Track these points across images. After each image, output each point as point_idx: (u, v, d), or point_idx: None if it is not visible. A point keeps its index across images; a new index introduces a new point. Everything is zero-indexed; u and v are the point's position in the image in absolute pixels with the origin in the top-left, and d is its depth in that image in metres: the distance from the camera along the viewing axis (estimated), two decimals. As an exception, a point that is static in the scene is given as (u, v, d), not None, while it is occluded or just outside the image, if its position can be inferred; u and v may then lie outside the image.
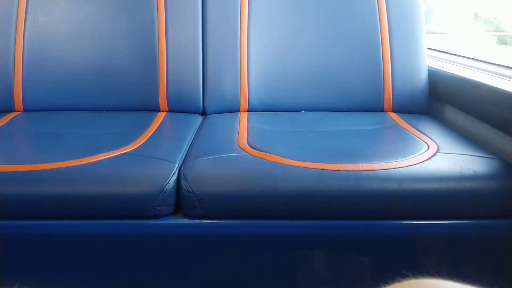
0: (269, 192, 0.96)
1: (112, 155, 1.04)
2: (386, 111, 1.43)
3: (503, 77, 1.21)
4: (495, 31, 2.18)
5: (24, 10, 1.46)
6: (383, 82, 1.43)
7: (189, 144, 1.16)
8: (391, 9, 1.45)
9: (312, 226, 0.98)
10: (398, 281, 0.37)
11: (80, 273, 1.01)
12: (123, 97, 1.45)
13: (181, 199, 0.98)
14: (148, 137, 1.17)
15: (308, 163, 0.99)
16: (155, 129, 1.25)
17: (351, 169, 0.97)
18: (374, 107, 1.43)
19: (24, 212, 0.97)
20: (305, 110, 1.44)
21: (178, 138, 1.21)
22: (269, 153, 1.04)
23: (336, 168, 0.97)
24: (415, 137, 1.16)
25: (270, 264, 1.01)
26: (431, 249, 0.99)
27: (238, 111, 1.45)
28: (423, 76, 1.44)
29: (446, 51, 1.66)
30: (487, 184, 0.96)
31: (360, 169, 0.97)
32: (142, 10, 1.47)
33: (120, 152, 1.05)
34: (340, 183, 0.96)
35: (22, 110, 1.45)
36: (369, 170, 0.97)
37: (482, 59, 1.41)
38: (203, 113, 1.48)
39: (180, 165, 1.02)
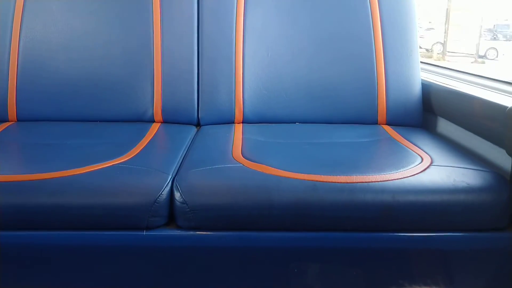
0: (263, 203, 0.96)
1: (105, 166, 1.03)
2: (380, 124, 1.44)
3: None
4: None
5: (19, 20, 1.46)
6: (377, 95, 1.44)
7: (183, 155, 1.16)
8: (385, 23, 1.46)
9: (306, 238, 0.98)
10: None
11: (72, 284, 1.00)
12: (117, 107, 1.44)
13: (174, 210, 0.98)
14: (142, 147, 1.17)
15: (302, 174, 0.99)
16: (149, 139, 1.25)
17: (345, 181, 0.97)
18: (368, 119, 1.44)
19: (15, 222, 0.96)
20: (299, 122, 1.45)
21: (172, 149, 1.20)
22: (263, 164, 1.04)
23: (330, 180, 0.97)
24: (409, 149, 1.16)
25: (264, 276, 1.00)
26: (425, 261, 0.99)
27: (233, 122, 1.45)
28: (417, 89, 1.45)
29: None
30: (481, 197, 0.96)
31: (354, 181, 0.97)
32: (137, 21, 1.47)
33: (114, 163, 1.05)
34: (334, 195, 0.96)
35: (16, 120, 1.45)
36: (363, 182, 0.97)
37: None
38: (198, 124, 1.47)
39: (173, 176, 1.02)
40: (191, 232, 0.98)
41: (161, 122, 1.45)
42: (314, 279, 1.00)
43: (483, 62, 9.98)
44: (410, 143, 1.22)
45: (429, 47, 10.67)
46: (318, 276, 1.00)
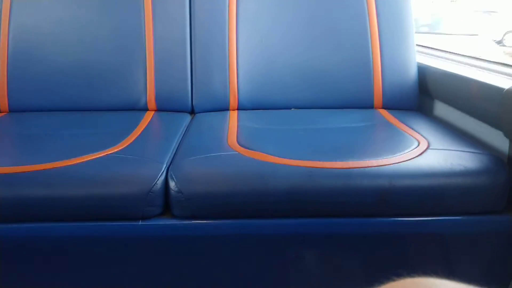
0: (259, 190, 0.95)
1: (99, 156, 1.02)
2: (376, 108, 1.43)
3: None
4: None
5: (8, 10, 1.43)
6: (372, 79, 1.42)
7: (178, 143, 1.15)
8: (380, 6, 1.44)
9: (303, 225, 0.97)
10: (390, 278, 0.36)
11: (67, 275, 0.99)
12: (110, 96, 1.43)
13: (170, 200, 0.97)
14: (135, 136, 1.16)
15: (298, 161, 0.98)
16: (143, 128, 1.24)
17: (341, 167, 0.96)
18: (364, 104, 1.43)
19: (9, 215, 0.95)
20: (295, 108, 1.43)
21: (166, 137, 1.19)
22: (259, 151, 1.03)
23: (326, 166, 0.96)
24: (405, 133, 1.16)
25: (261, 263, 1.00)
26: (423, 246, 0.99)
27: (228, 109, 1.44)
28: (413, 72, 1.43)
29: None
30: (478, 180, 0.96)
31: (350, 166, 0.96)
32: (128, 9, 1.45)
33: (107, 153, 1.04)
34: (330, 181, 0.95)
35: (7, 111, 1.43)
36: (359, 167, 0.96)
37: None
38: (192, 112, 1.46)
39: (168, 165, 1.01)
40: (187, 221, 0.97)
41: (155, 110, 1.44)
42: (311, 265, 1.00)
43: None
44: (406, 126, 1.21)
45: (498, 38, 7.20)
46: (315, 263, 1.00)
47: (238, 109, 1.44)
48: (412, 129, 1.18)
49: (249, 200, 0.95)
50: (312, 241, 0.99)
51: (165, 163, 1.01)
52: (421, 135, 1.13)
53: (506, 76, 1.16)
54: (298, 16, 1.45)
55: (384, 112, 1.37)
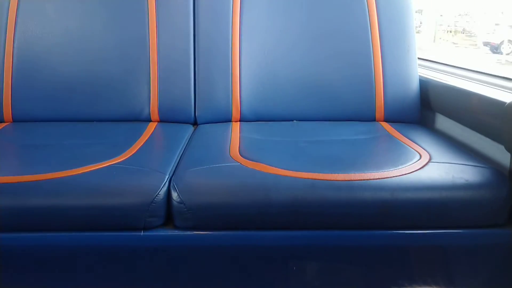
0: (261, 202, 0.95)
1: (101, 166, 1.02)
2: (377, 121, 1.43)
3: None
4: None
5: (14, 20, 1.45)
6: (374, 92, 1.43)
7: (180, 154, 1.15)
8: (382, 19, 1.45)
9: (304, 237, 0.97)
10: None
11: (68, 285, 0.99)
12: (113, 107, 1.43)
13: (172, 210, 0.97)
14: (138, 147, 1.16)
15: (300, 172, 0.98)
16: (145, 139, 1.24)
17: (343, 179, 0.96)
18: (366, 116, 1.43)
19: (11, 224, 0.95)
20: (297, 120, 1.44)
21: (169, 148, 1.20)
22: (261, 163, 1.03)
23: (328, 178, 0.97)
24: (407, 146, 1.16)
25: (263, 275, 1.00)
26: (424, 259, 0.99)
27: (230, 120, 1.44)
28: (415, 85, 1.44)
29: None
30: (479, 193, 0.96)
31: (352, 179, 0.96)
32: (133, 20, 1.46)
33: (110, 163, 1.04)
34: (332, 193, 0.95)
35: (11, 120, 1.44)
36: (361, 180, 0.96)
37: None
38: (195, 123, 1.47)
39: (170, 175, 1.01)
40: (189, 232, 0.97)
41: (158, 121, 1.44)
42: (313, 277, 0.99)
43: None
44: (408, 139, 1.21)
45: None
46: (317, 275, 1.00)
47: (240, 120, 1.45)
48: (414, 142, 1.18)
49: (251, 212, 0.95)
50: (314, 253, 0.99)
51: (168, 174, 1.01)
52: (423, 148, 1.13)
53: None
54: (302, 29, 1.46)
55: (385, 125, 1.38)
